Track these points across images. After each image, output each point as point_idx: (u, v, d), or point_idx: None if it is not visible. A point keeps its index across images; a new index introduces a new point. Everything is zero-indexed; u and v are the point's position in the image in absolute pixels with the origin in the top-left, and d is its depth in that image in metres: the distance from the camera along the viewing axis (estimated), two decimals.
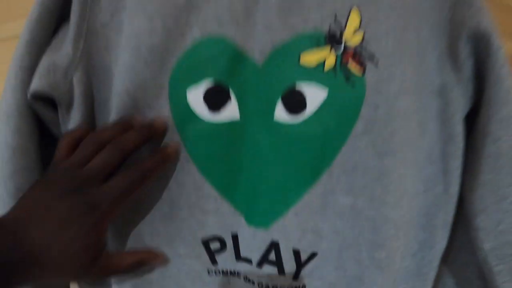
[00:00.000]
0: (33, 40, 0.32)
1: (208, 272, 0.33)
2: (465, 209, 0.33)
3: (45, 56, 0.32)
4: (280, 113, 0.30)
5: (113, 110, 0.32)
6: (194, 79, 0.30)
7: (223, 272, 0.34)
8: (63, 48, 0.32)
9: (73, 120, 0.32)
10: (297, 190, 0.31)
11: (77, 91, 0.32)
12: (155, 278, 0.34)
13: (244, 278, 0.33)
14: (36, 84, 0.31)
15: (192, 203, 0.32)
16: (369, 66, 0.29)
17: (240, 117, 0.31)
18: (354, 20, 0.29)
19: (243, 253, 0.33)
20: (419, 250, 0.33)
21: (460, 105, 0.31)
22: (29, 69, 0.32)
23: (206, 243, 0.33)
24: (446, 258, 0.35)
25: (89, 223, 0.26)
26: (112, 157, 0.28)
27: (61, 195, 0.26)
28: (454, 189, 0.32)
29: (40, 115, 0.33)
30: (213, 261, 0.33)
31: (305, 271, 0.32)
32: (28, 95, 0.31)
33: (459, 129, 0.31)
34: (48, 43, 0.33)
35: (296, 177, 0.31)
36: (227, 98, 0.31)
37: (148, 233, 0.33)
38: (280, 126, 0.30)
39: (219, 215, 0.32)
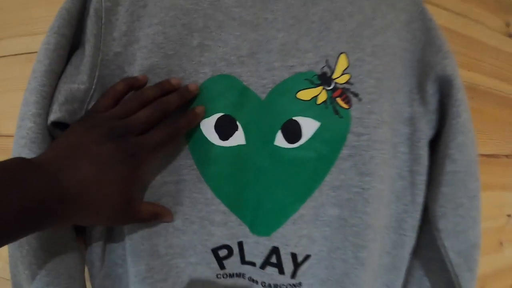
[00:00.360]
0: (52, 68, 0.33)
1: (217, 276, 0.38)
2: (429, 215, 0.40)
3: (61, 84, 0.33)
4: (280, 141, 0.36)
5: None
6: (207, 113, 0.35)
7: (230, 275, 0.39)
8: (79, 78, 0.34)
9: None
10: (294, 204, 0.36)
11: None
12: (170, 286, 0.37)
13: (248, 279, 0.39)
14: (56, 113, 0.32)
15: (203, 217, 0.36)
16: (354, 101, 0.35)
17: (246, 142, 0.36)
18: (342, 64, 0.35)
19: (247, 257, 0.38)
20: (393, 248, 0.40)
21: (425, 132, 0.38)
22: (49, 96, 0.33)
23: (215, 252, 0.37)
24: (415, 255, 0.42)
25: (127, 169, 0.27)
26: (155, 114, 0.30)
27: (102, 140, 0.27)
28: (420, 199, 0.39)
29: None
30: (222, 267, 0.38)
31: (300, 270, 0.38)
32: (49, 123, 0.33)
33: (424, 151, 0.38)
34: (63, 69, 0.34)
35: (293, 193, 0.36)
36: (234, 128, 0.36)
37: (162, 245, 0.37)
38: (280, 150, 0.36)
39: (227, 227, 0.37)
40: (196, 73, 0.35)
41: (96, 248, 0.37)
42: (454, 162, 0.37)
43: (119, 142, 0.27)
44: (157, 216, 0.34)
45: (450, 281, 0.39)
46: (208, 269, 0.38)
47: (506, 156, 0.57)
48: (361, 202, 0.36)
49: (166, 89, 0.33)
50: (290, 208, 0.36)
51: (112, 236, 0.38)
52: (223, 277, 0.39)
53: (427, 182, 0.39)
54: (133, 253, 0.36)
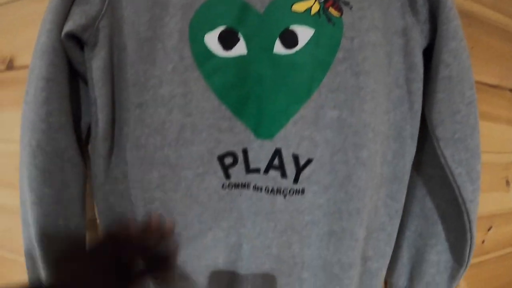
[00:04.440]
0: None
1: (223, 186, 0.40)
2: (428, 126, 0.40)
3: (76, 6, 0.38)
4: (278, 48, 0.39)
5: (132, 50, 0.39)
6: (211, 26, 0.39)
7: (235, 185, 0.41)
8: (92, 2, 0.39)
9: (96, 56, 0.39)
10: (294, 105, 0.39)
11: (102, 34, 0.39)
12: (179, 198, 0.40)
13: (253, 188, 0.40)
14: (70, 26, 0.37)
15: (210, 124, 0.39)
16: (345, 10, 0.38)
17: (247, 52, 0.39)
18: None
19: (252, 164, 0.40)
20: (394, 157, 0.41)
21: (418, 41, 0.40)
22: (63, 15, 0.38)
23: (221, 159, 0.40)
24: (417, 173, 0.43)
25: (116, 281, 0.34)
26: (139, 254, 0.38)
27: (100, 272, 0.34)
28: (417, 106, 0.40)
29: (69, 55, 0.39)
30: (227, 176, 0.40)
31: (303, 175, 0.39)
32: (63, 33, 0.37)
33: (418, 59, 0.40)
34: None
35: (293, 95, 0.39)
36: (236, 39, 0.39)
37: (173, 156, 0.40)
38: (279, 57, 0.39)
39: (233, 133, 0.39)
40: None
41: (98, 160, 0.40)
42: (447, 67, 0.38)
43: (113, 275, 0.35)
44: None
45: (451, 198, 0.40)
46: (214, 178, 0.40)
47: (510, 90, 0.57)
48: (357, 101, 0.38)
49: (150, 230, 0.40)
50: (291, 109, 0.39)
51: (116, 151, 0.41)
52: (228, 187, 0.40)
53: (424, 90, 0.40)
54: (147, 161, 0.39)
